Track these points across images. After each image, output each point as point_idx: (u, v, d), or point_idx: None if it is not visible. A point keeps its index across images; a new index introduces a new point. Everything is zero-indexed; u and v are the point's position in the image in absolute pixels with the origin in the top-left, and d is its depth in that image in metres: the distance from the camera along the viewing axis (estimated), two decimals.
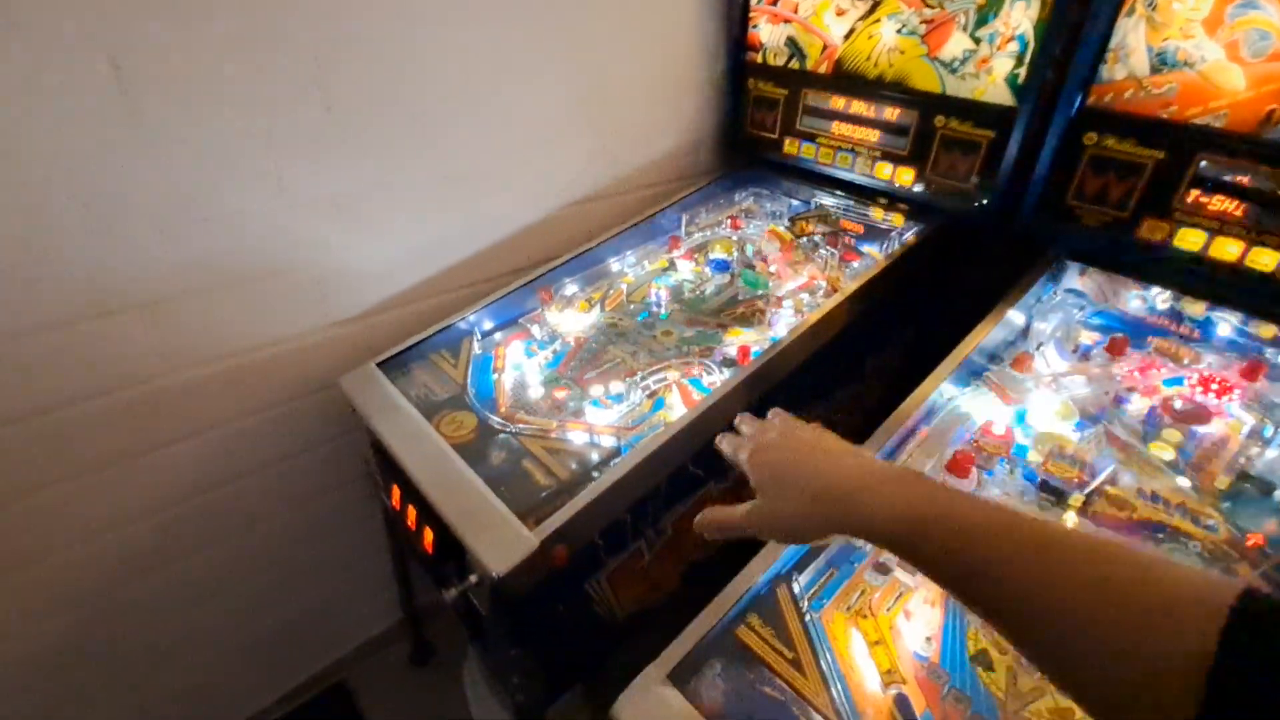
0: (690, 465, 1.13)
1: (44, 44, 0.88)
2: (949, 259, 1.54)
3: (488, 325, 1.44)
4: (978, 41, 1.31)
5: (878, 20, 1.44)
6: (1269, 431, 1.05)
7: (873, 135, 1.54)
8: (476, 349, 1.37)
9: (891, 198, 1.59)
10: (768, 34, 1.66)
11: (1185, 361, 1.15)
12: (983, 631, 0.83)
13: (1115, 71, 1.16)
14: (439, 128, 1.32)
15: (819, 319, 1.28)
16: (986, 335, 1.16)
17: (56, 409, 1.06)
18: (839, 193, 1.71)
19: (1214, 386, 1.12)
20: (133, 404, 1.14)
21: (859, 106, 1.54)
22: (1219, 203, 1.11)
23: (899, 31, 1.42)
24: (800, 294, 1.55)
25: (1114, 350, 1.19)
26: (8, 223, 0.93)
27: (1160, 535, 0.94)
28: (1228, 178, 1.08)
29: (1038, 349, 1.23)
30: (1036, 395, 1.13)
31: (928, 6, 1.36)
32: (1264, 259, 1.08)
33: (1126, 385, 1.16)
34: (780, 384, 1.23)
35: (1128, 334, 1.21)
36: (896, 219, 1.61)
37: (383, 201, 1.30)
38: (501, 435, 1.14)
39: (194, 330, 1.16)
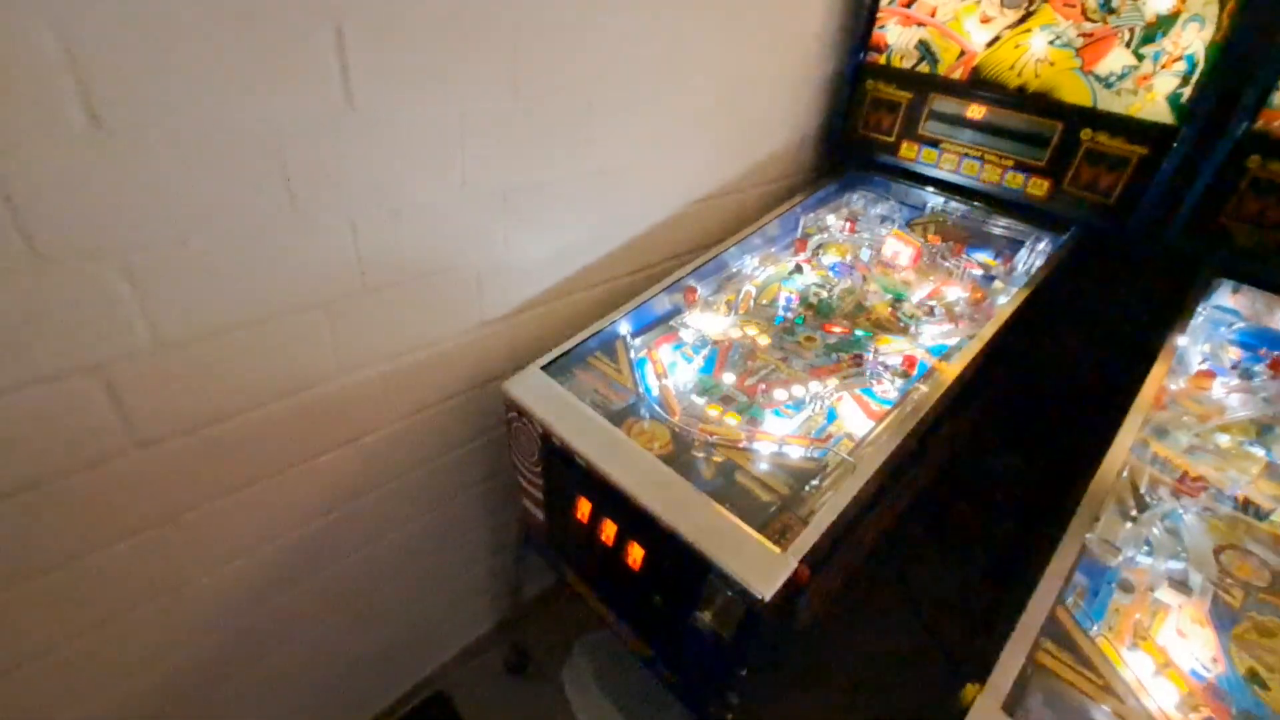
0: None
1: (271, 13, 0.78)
2: (1086, 271, 1.56)
3: (634, 327, 1.38)
4: (1140, 58, 1.32)
5: (1028, 30, 1.44)
6: None
7: (1007, 144, 1.55)
8: (631, 352, 1.32)
9: (1018, 207, 1.60)
10: (896, 36, 1.64)
11: None
12: (1246, 651, 0.84)
13: None
14: (601, 120, 1.25)
15: (1002, 324, 1.28)
16: (1170, 362, 1.18)
17: (233, 415, 0.96)
18: (955, 198, 1.71)
19: None
20: (303, 409, 1.04)
21: (996, 114, 1.54)
22: None
23: (1051, 43, 1.42)
24: (931, 302, 1.55)
25: (1278, 368, 1.23)
26: (216, 218, 0.83)
27: None
28: None
29: (1202, 363, 1.26)
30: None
31: (1089, 20, 1.37)
32: None
33: None
34: (960, 394, 1.23)
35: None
36: (1020, 228, 1.62)
37: (544, 195, 1.23)
38: (698, 447, 1.10)
39: (366, 329, 1.07)
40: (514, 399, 1.15)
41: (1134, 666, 0.81)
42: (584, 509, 1.10)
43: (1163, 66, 1.30)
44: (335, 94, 0.86)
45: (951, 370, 1.22)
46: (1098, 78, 1.38)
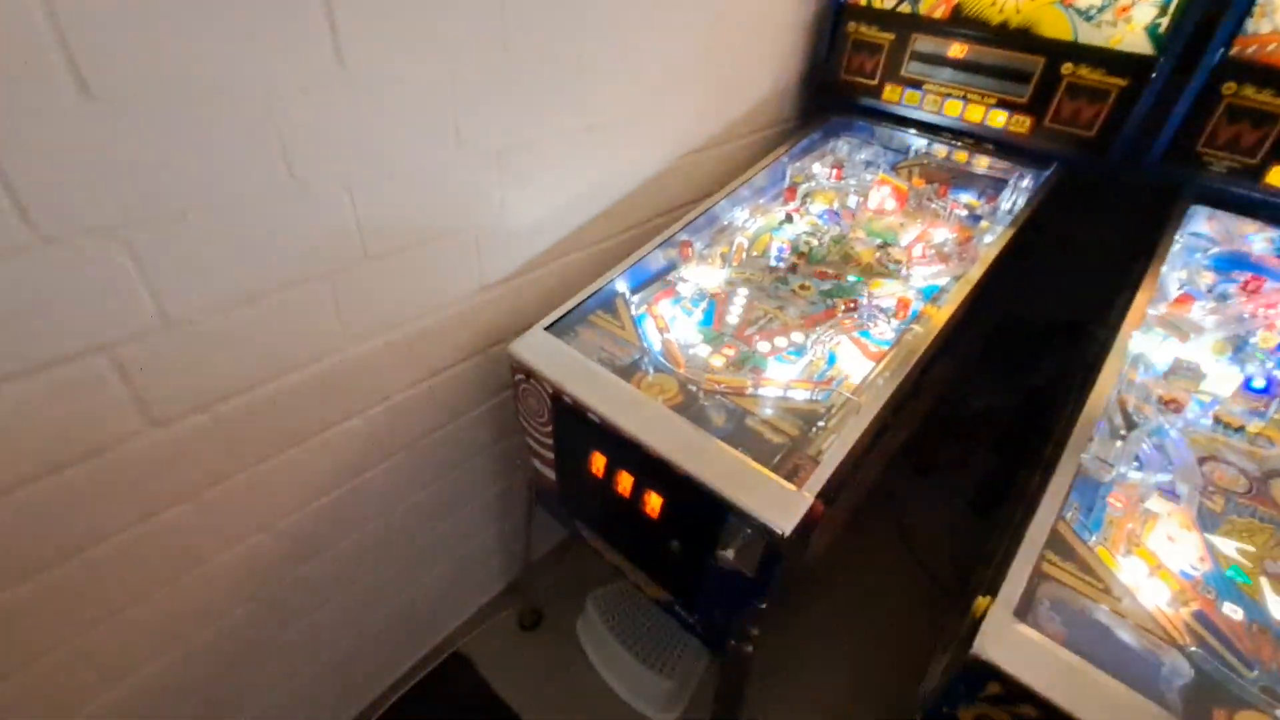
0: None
1: None
2: (1067, 205, 1.59)
3: (631, 284, 1.38)
4: None
5: None
6: None
7: (989, 82, 1.56)
8: (632, 309, 1.33)
9: (1000, 145, 1.62)
10: None
11: None
12: (1228, 549, 0.91)
13: (1261, 25, 1.22)
14: (591, 75, 1.23)
15: (990, 263, 1.31)
16: (1153, 289, 1.23)
17: (244, 391, 0.96)
18: (938, 139, 1.72)
19: None
20: (311, 383, 1.04)
21: (978, 52, 1.55)
22: None
23: None
24: (919, 244, 1.57)
25: (1249, 289, 1.29)
26: (214, 189, 0.81)
27: None
28: None
29: (1180, 289, 1.31)
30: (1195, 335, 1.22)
31: None
32: None
33: (1257, 323, 1.27)
34: (952, 333, 1.27)
35: (1256, 274, 1.31)
36: (1003, 166, 1.65)
37: (537, 154, 1.21)
38: (706, 397, 1.12)
39: (371, 299, 1.06)
40: (521, 360, 1.16)
41: (1129, 570, 0.87)
42: (599, 464, 1.12)
43: None
44: (325, 54, 0.84)
45: (943, 312, 1.26)
46: (1078, 11, 1.39)
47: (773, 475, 0.94)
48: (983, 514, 2.11)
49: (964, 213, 1.65)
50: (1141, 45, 1.34)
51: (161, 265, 0.80)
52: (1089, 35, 1.39)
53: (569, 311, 1.25)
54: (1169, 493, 0.95)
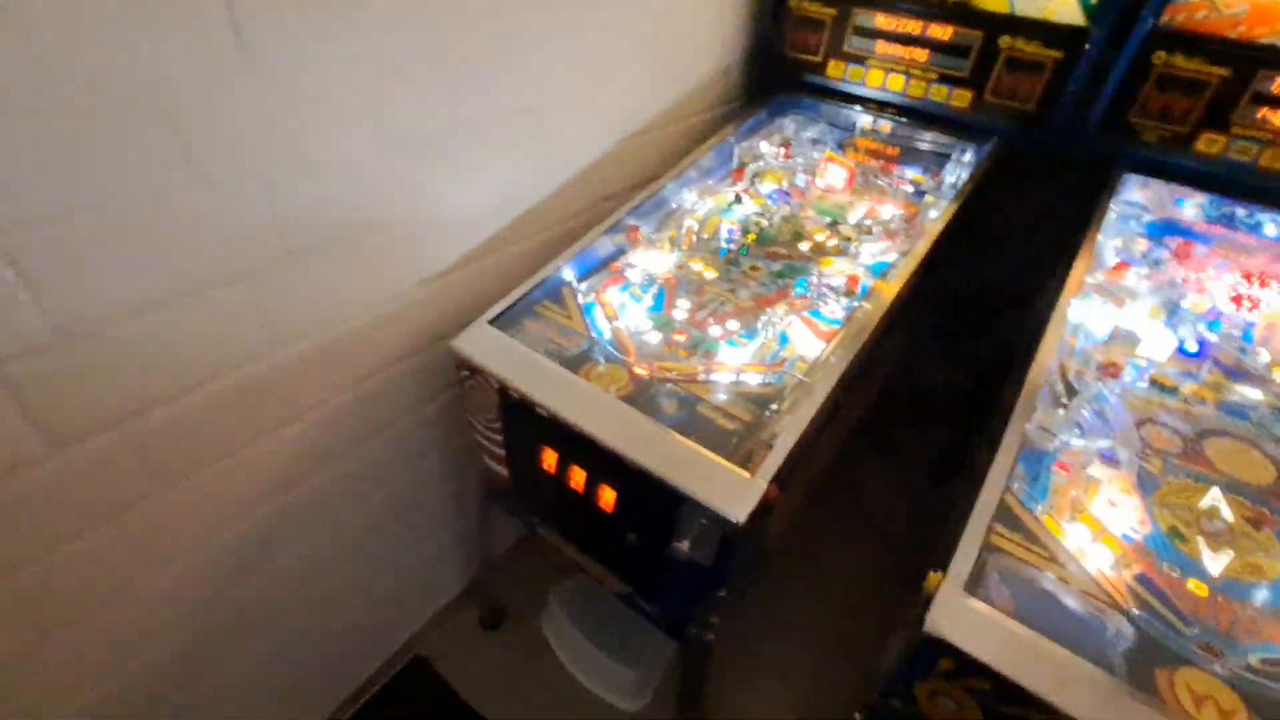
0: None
1: None
2: (1010, 177, 1.61)
3: (578, 272, 1.34)
4: None
5: None
6: None
7: (930, 56, 1.56)
8: (580, 297, 1.29)
9: (943, 119, 1.63)
10: None
11: (1241, 261, 1.31)
12: (1166, 511, 0.94)
13: None
14: (523, 54, 1.17)
15: (935, 238, 1.32)
16: (1090, 258, 1.25)
17: (159, 404, 0.89)
18: (883, 115, 1.72)
19: (1255, 279, 1.29)
20: (237, 391, 0.97)
21: (917, 27, 1.54)
22: (1274, 115, 1.24)
23: None
24: (867, 221, 1.58)
25: (1181, 255, 1.33)
26: (104, 187, 0.74)
27: (1257, 410, 1.10)
28: None
29: (1116, 256, 1.34)
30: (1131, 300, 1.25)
31: None
32: None
33: (1188, 286, 1.31)
34: (901, 309, 1.27)
35: (1187, 239, 1.35)
36: (946, 141, 1.66)
37: (468, 140, 1.16)
38: (657, 385, 1.10)
39: (296, 299, 0.99)
40: (465, 357, 1.11)
41: (1074, 536, 0.89)
42: (550, 459, 1.09)
43: None
44: (222, 36, 0.77)
45: (891, 287, 1.26)
46: None
47: (725, 463, 0.93)
48: (939, 486, 2.16)
49: (910, 189, 1.66)
50: (1075, 16, 1.36)
51: (49, 273, 0.73)
52: (1025, 8, 1.40)
53: (513, 304, 1.20)
54: (1109, 457, 0.97)
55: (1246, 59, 1.22)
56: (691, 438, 0.98)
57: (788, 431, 0.98)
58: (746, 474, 0.91)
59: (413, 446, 1.37)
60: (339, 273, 1.04)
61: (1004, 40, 1.44)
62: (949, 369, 2.22)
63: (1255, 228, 1.35)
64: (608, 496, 1.03)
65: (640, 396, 1.07)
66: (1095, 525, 0.90)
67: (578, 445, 1.01)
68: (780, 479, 0.93)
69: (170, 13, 0.72)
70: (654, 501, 0.96)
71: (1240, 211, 1.36)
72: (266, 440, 1.07)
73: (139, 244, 0.79)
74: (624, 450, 0.95)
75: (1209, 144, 1.31)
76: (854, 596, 1.86)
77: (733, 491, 0.89)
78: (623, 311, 1.29)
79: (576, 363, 1.12)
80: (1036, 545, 0.85)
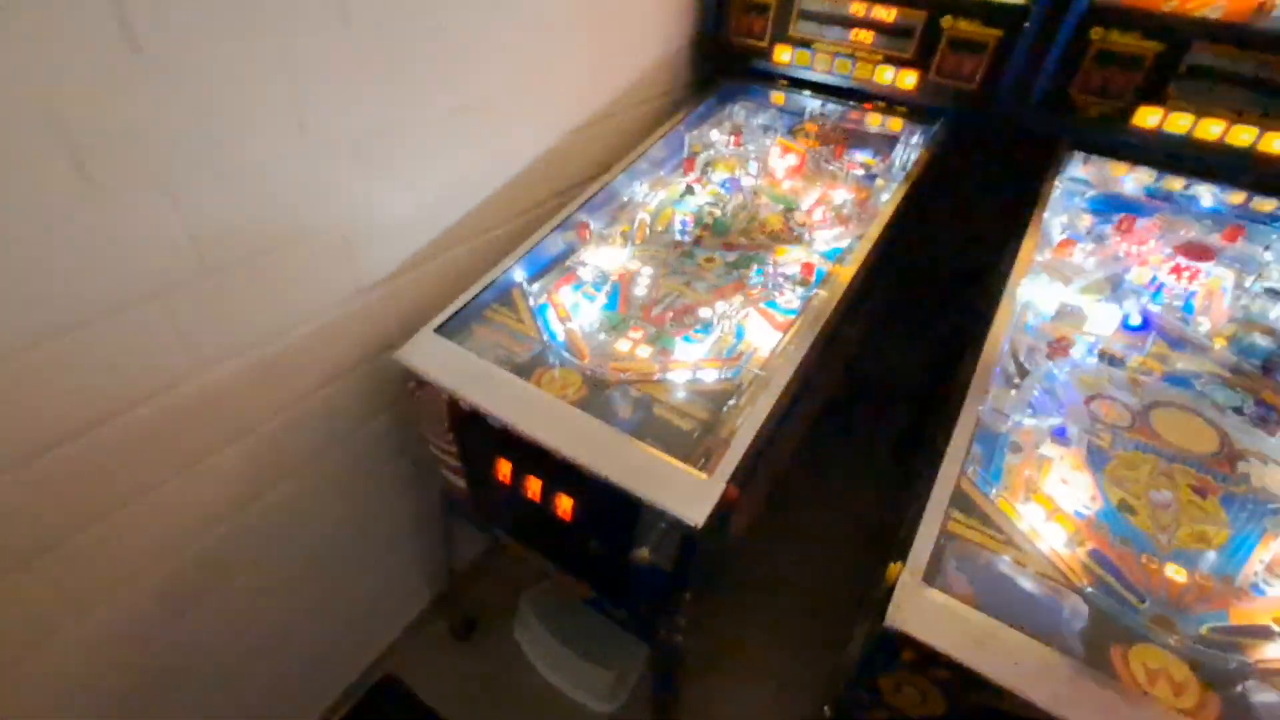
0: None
1: None
2: (958, 157, 1.62)
3: (528, 272, 1.30)
4: None
5: None
6: (1250, 283, 1.27)
7: (874, 39, 1.55)
8: (531, 299, 1.25)
9: (890, 102, 1.63)
10: None
11: (1180, 233, 1.34)
12: (1116, 485, 0.95)
13: None
14: (456, 47, 1.12)
15: (887, 221, 1.31)
16: (1037, 237, 1.25)
17: (71, 439, 0.83)
18: (831, 100, 1.71)
19: (1193, 249, 1.32)
20: (162, 416, 0.91)
21: (861, 9, 1.53)
22: (1207, 88, 1.26)
23: None
24: (820, 207, 1.57)
25: (1124, 229, 1.35)
26: None
27: (1201, 378, 1.13)
28: (1218, 64, 1.23)
29: (1062, 233, 1.36)
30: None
31: None
32: (1243, 135, 1.25)
33: (1131, 260, 1.33)
34: (857, 294, 1.26)
35: (1129, 213, 1.37)
36: (894, 123, 1.65)
37: (402, 140, 1.10)
38: (612, 387, 1.07)
39: (219, 316, 0.93)
40: (411, 368, 1.07)
41: (1028, 517, 0.89)
42: (505, 470, 1.05)
43: None
44: (111, 38, 0.70)
45: (846, 273, 1.25)
46: None
47: (682, 465, 0.91)
48: (903, 464, 2.19)
49: (861, 172, 1.65)
50: None
51: None
52: None
53: (460, 309, 1.16)
54: (1060, 434, 0.97)
55: (1180, 32, 1.24)
56: (647, 440, 0.95)
57: (745, 428, 0.96)
58: (704, 475, 0.89)
59: (367, 459, 1.32)
60: (267, 286, 0.98)
61: (946, 20, 1.44)
62: (906, 347, 2.24)
63: (1192, 199, 1.38)
64: (565, 505, 1.00)
65: (594, 400, 1.04)
66: (1048, 504, 0.90)
67: (532, 455, 0.98)
68: (739, 477, 0.92)
69: (53, 21, 0.66)
70: (612, 508, 0.93)
71: (1178, 184, 1.39)
72: (200, 468, 1.01)
73: (30, 265, 0.72)
74: (578, 458, 0.92)
75: (1146, 118, 1.33)
76: (824, 582, 1.87)
77: (690, 494, 0.87)
78: (576, 311, 1.26)
79: (528, 368, 1.09)
80: (992, 529, 0.85)
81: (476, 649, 1.72)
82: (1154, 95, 1.30)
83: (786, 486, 1.45)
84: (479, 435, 1.06)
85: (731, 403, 1.06)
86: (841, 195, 1.58)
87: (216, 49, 0.79)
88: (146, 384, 0.88)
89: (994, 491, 0.91)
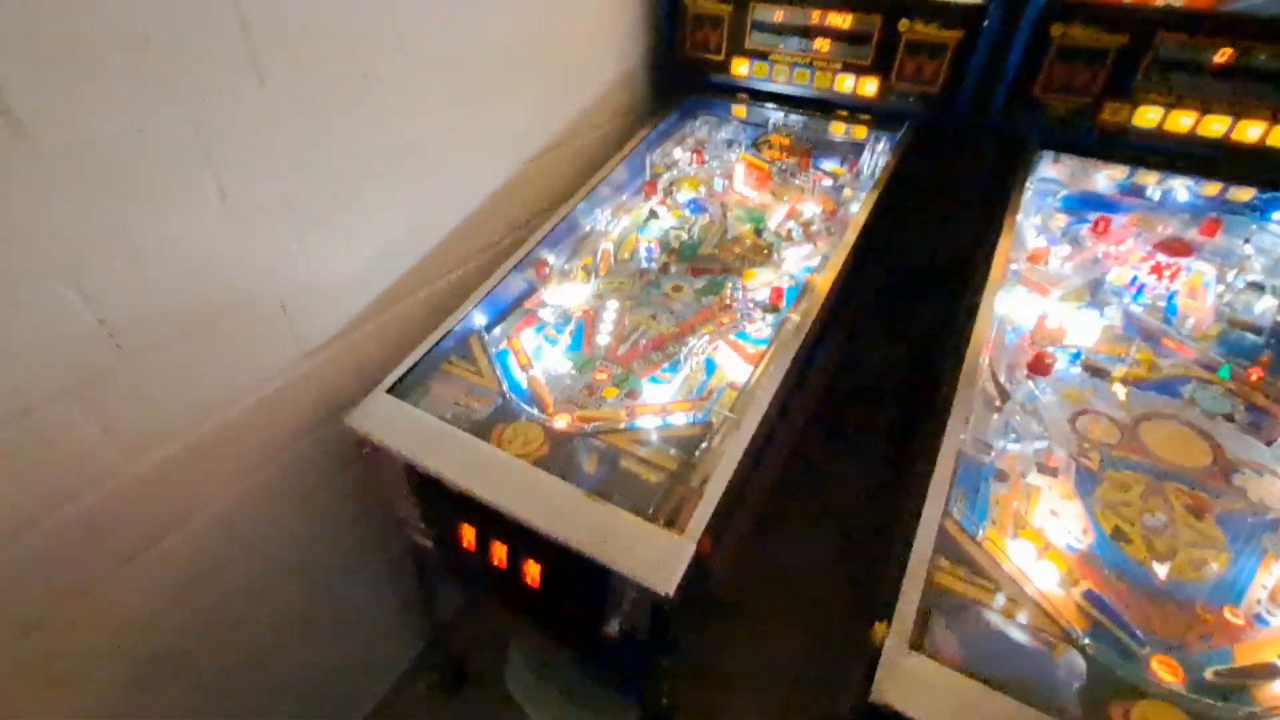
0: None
1: None
2: (927, 161, 1.58)
3: (487, 317, 1.25)
4: None
5: None
6: (1231, 277, 1.23)
7: (832, 47, 1.50)
8: (490, 347, 1.19)
9: (854, 109, 1.58)
10: None
11: (1158, 230, 1.30)
12: (1108, 510, 0.90)
13: None
14: (389, 90, 1.07)
15: (857, 234, 1.27)
16: (1009, 244, 1.21)
17: None
18: (796, 111, 1.66)
19: (1172, 245, 1.28)
20: (94, 512, 0.85)
21: (815, 17, 1.48)
22: (1175, 79, 1.22)
23: None
24: (789, 223, 1.52)
25: (1099, 230, 1.31)
26: None
27: (1189, 385, 1.08)
28: (1184, 55, 1.19)
29: (1037, 236, 1.32)
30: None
31: None
32: (1214, 125, 1.21)
33: (1110, 261, 1.29)
34: (830, 313, 1.22)
35: (1103, 212, 1.33)
36: (859, 131, 1.61)
37: (339, 193, 1.05)
38: (576, 439, 1.02)
39: (148, 401, 0.88)
40: (363, 434, 1.01)
41: (1018, 554, 0.85)
42: (468, 535, 1.00)
43: None
44: None
45: (818, 295, 1.20)
46: None
47: (650, 525, 0.86)
48: (897, 469, 2.14)
49: (828, 182, 1.61)
50: None
51: None
52: None
53: (415, 365, 1.10)
54: (1046, 466, 0.93)
55: (1143, 23, 1.20)
56: (614, 498, 0.90)
57: (717, 476, 0.91)
58: (674, 534, 0.84)
59: (333, 523, 1.27)
60: (199, 363, 0.92)
61: (903, 24, 1.39)
62: (889, 347, 2.20)
63: (1167, 194, 1.34)
64: (533, 571, 0.95)
65: (557, 457, 0.99)
66: (1039, 541, 0.86)
67: (494, 520, 0.93)
68: (714, 529, 0.87)
69: None
70: (580, 575, 0.88)
71: (1151, 179, 1.35)
72: (144, 559, 0.95)
73: None
74: (540, 525, 0.87)
75: (1114, 113, 1.28)
76: (824, 600, 1.81)
77: (660, 558, 0.82)
78: (538, 356, 1.20)
79: (488, 425, 1.03)
80: (981, 578, 0.80)
81: (467, 702, 1.66)
82: (1120, 90, 1.26)
83: (775, 502, 1.40)
84: (440, 499, 1.00)
85: (704, 445, 1.00)
86: (810, 208, 1.54)
87: (111, 124, 0.74)
88: (71, 482, 0.82)
89: (981, 531, 0.86)
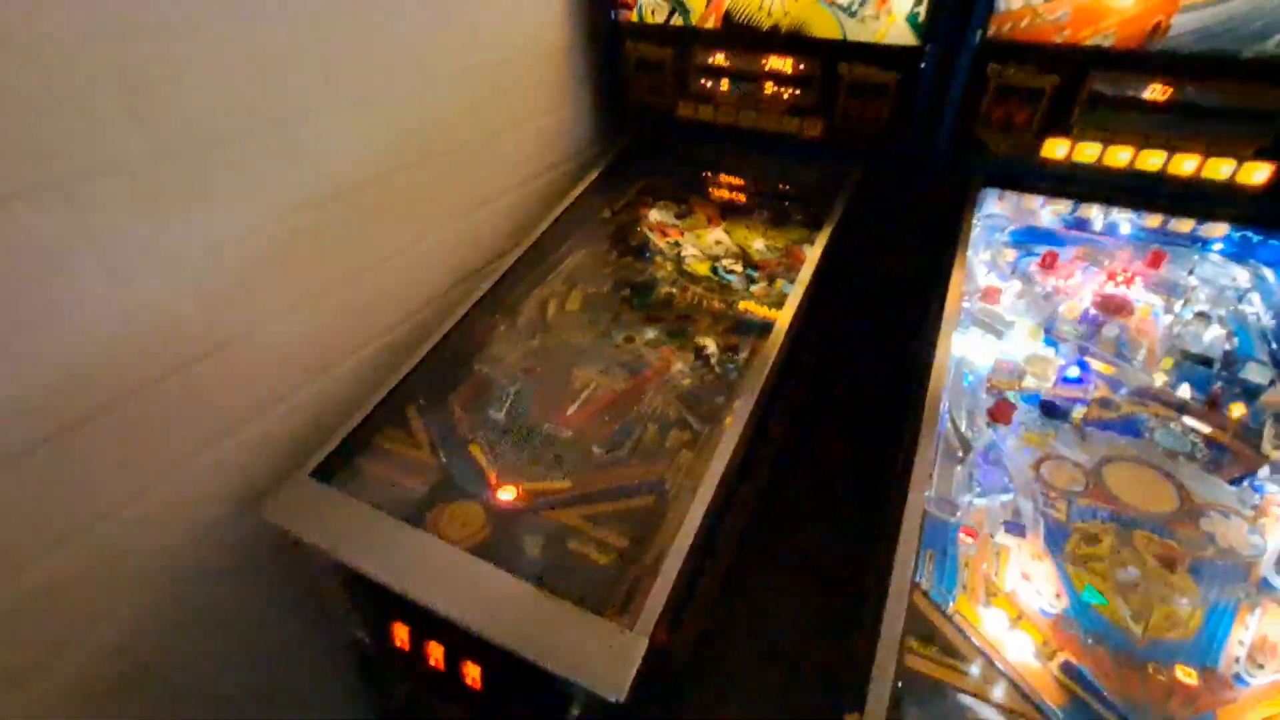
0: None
1: None
2: (873, 200, 1.57)
3: (425, 383, 1.17)
4: None
5: None
6: (1179, 308, 1.23)
7: (776, 89, 1.49)
8: (428, 415, 1.12)
9: (802, 149, 1.56)
10: None
11: (1104, 263, 1.30)
12: (1080, 568, 0.87)
13: (1011, 1, 1.21)
14: (295, 133, 0.99)
15: (810, 276, 1.23)
16: (961, 281, 1.19)
17: None
18: (744, 150, 1.64)
19: (1119, 278, 1.28)
20: None
21: (757, 61, 1.47)
22: (1112, 114, 1.23)
23: None
24: (740, 265, 1.48)
25: (1047, 265, 1.30)
26: None
27: (1147, 423, 1.07)
28: (1119, 91, 1.20)
29: (988, 273, 1.30)
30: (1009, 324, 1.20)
31: None
32: (1151, 160, 1.22)
33: (1060, 294, 1.28)
34: (788, 360, 1.18)
35: (1050, 245, 1.33)
36: (807, 171, 1.60)
37: (252, 252, 0.97)
38: (521, 518, 0.94)
39: (31, 505, 0.77)
40: (281, 528, 0.92)
41: (992, 624, 0.80)
42: (402, 634, 0.91)
43: None
44: None
45: (776, 337, 1.16)
46: (840, 7, 1.34)
47: (599, 620, 0.78)
48: (872, 504, 2.10)
49: (780, 223, 1.58)
50: (905, 36, 1.31)
51: None
52: (856, 31, 1.35)
53: (343, 441, 1.02)
54: (1015, 527, 0.89)
55: (1075, 62, 1.21)
56: (561, 586, 0.83)
57: (674, 552, 0.84)
58: (624, 630, 0.77)
59: (262, 619, 1.15)
60: (92, 459, 0.83)
61: (843, 66, 1.39)
62: (852, 379, 2.17)
63: (1111, 228, 1.35)
64: (473, 672, 0.87)
65: (499, 540, 0.91)
66: (1011, 610, 0.81)
67: (429, 619, 0.84)
68: (672, 609, 0.80)
69: None
70: (525, 677, 0.80)
71: (1095, 212, 1.35)
72: (30, 682, 0.83)
73: None
74: (478, 626, 0.79)
75: (1054, 149, 1.29)
76: (794, 666, 1.72)
77: (609, 658, 0.75)
78: (482, 422, 1.13)
79: (424, 506, 0.95)
80: (953, 658, 0.75)
81: None
82: (1059, 126, 1.27)
83: (742, 554, 1.34)
84: (370, 597, 0.91)
85: (659, 515, 0.94)
86: (761, 248, 1.51)
87: None
88: None
89: (951, 601, 0.81)
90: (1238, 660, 0.78)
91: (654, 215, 1.63)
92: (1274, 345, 1.16)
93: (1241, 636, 0.80)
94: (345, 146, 1.08)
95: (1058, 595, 0.83)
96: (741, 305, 1.36)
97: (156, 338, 0.87)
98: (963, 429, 1.02)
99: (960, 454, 0.99)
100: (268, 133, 0.94)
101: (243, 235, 0.95)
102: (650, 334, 1.32)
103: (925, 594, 0.81)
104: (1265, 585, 0.85)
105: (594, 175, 1.59)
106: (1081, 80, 1.22)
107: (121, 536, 0.88)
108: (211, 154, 0.88)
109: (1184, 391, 1.09)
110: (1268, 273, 1.25)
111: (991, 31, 1.24)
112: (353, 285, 1.16)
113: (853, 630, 1.08)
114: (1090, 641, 0.80)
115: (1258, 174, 1.16)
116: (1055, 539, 0.90)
